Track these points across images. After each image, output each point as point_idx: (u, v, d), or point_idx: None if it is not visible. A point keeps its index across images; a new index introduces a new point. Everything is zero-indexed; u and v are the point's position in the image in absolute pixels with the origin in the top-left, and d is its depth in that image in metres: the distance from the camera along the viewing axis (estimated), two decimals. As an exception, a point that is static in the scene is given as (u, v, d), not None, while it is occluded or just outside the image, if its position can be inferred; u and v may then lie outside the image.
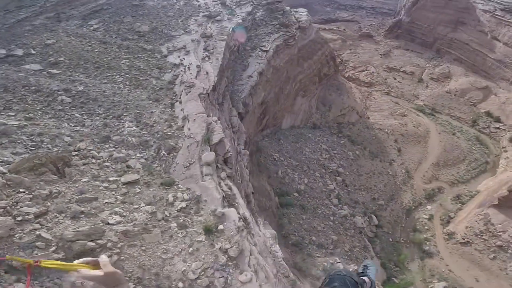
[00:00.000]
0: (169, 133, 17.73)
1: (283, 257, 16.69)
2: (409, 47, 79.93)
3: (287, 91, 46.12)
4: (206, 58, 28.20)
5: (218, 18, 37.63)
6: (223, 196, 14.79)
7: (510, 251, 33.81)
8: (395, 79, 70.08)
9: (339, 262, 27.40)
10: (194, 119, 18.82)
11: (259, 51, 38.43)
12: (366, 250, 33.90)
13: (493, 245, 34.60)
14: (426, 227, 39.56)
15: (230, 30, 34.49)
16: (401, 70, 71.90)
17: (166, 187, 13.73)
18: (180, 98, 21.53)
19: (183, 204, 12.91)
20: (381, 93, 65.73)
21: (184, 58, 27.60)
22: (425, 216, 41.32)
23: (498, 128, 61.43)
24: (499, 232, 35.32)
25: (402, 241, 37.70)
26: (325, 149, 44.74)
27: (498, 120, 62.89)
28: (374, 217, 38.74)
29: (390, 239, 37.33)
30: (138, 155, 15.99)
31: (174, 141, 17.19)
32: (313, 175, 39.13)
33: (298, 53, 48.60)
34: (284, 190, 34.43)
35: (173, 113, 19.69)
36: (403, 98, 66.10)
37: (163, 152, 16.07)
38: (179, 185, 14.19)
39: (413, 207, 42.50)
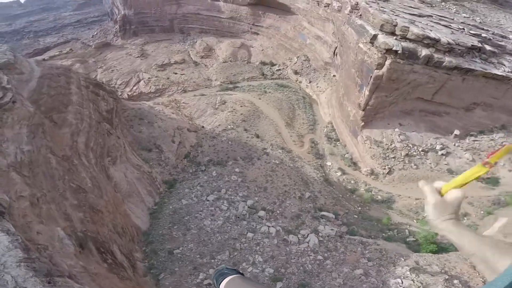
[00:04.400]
0: None
1: None
2: (156, 38, 71.49)
3: (87, 181, 24.16)
4: None
5: None
6: None
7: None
8: (176, 73, 60.97)
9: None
10: None
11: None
12: (362, 244, 27.18)
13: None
14: (352, 182, 37.02)
15: None
16: (172, 62, 63.20)
17: None
18: None
19: None
20: (179, 94, 55.56)
21: None
22: (338, 174, 38.65)
23: (279, 69, 67.03)
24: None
25: (359, 208, 33.42)
26: (212, 200, 31.76)
27: (272, 64, 68.45)
28: (325, 213, 31.83)
29: (356, 216, 32.14)
30: None
31: None
32: (245, 242, 26.39)
33: (39, 109, 25.37)
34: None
35: None
36: (201, 88, 58.98)
37: None
38: None
39: (324, 173, 38.70)
